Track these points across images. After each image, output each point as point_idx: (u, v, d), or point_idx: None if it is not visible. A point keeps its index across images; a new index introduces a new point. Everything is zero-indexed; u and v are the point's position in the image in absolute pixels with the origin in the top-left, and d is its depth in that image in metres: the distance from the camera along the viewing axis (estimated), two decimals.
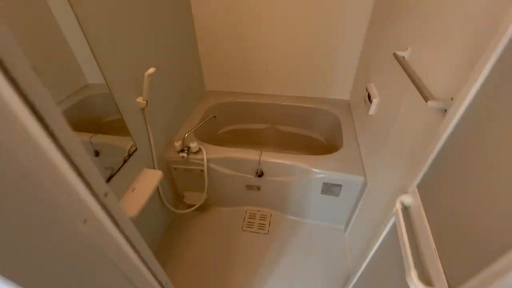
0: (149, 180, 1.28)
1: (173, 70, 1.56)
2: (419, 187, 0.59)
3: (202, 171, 1.53)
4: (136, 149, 1.24)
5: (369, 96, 1.32)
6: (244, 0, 1.61)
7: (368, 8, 1.51)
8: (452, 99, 0.64)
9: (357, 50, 1.68)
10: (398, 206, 0.60)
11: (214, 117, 1.65)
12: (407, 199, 0.60)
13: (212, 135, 2.05)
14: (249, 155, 1.48)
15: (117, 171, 1.13)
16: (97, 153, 1.09)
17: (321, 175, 1.39)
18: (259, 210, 1.75)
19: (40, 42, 0.80)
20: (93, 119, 1.04)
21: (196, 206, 1.61)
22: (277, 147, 2.19)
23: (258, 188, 1.62)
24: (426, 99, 0.66)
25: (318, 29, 1.63)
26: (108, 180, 1.08)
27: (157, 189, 1.46)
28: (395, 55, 0.96)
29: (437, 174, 0.55)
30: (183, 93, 1.74)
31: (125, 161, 1.17)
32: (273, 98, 2.01)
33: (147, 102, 1.23)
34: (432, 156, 0.54)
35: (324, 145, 2.01)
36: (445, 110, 0.67)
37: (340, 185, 1.39)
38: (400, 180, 0.89)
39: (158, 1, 1.34)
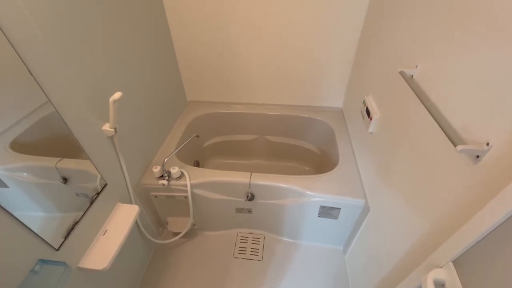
0: (123, 218, 1.11)
1: (149, 85, 1.37)
2: (457, 262, 0.47)
3: (186, 197, 1.37)
4: (106, 184, 1.07)
5: (367, 111, 1.20)
6: (226, 4, 1.43)
7: (362, 12, 1.37)
8: (487, 144, 0.52)
9: (350, 56, 1.55)
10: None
11: (197, 136, 1.49)
12: (441, 275, 0.48)
13: (197, 149, 1.89)
14: (238, 177, 1.34)
15: (84, 214, 0.96)
16: (65, 180, 0.93)
17: (317, 199, 1.27)
18: (251, 233, 1.62)
19: None
20: (58, 139, 0.87)
21: (181, 235, 1.46)
22: (267, 158, 2.05)
23: (249, 211, 1.48)
24: (454, 143, 0.54)
25: (307, 33, 1.49)
26: (72, 228, 0.91)
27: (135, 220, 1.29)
28: (402, 74, 0.83)
29: (485, 253, 0.42)
30: (162, 107, 1.55)
31: (92, 202, 1.00)
32: (260, 107, 1.86)
33: (115, 129, 1.05)
34: (478, 236, 0.42)
35: (317, 155, 1.89)
36: (477, 156, 0.55)
37: (339, 208, 1.28)
38: (415, 225, 0.78)
39: (127, 15, 1.14)
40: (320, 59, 1.59)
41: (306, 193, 1.28)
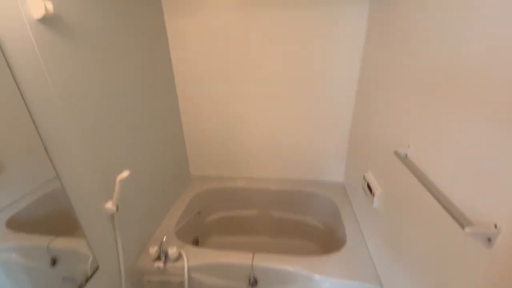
0: None
1: (155, 161, 1.43)
2: None
3: (182, 282, 1.25)
4: (97, 267, 0.99)
5: (369, 187, 1.21)
6: (230, 83, 1.62)
7: (352, 92, 1.54)
8: (496, 226, 0.51)
9: (345, 133, 1.66)
10: None
11: (199, 213, 1.46)
12: None
13: (198, 224, 1.81)
14: (239, 259, 1.24)
15: None
16: (54, 262, 0.86)
17: (327, 284, 1.15)
18: None
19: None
20: (56, 216, 0.85)
21: None
22: (271, 235, 1.95)
23: None
24: (461, 225, 0.53)
25: (306, 110, 1.63)
26: None
27: None
28: (396, 154, 0.88)
29: None
30: (166, 184, 1.57)
31: None
32: (263, 182, 1.88)
33: (117, 207, 1.04)
34: None
35: (323, 231, 1.80)
36: (489, 239, 0.53)
37: None
38: None
39: (135, 90, 1.29)
40: (318, 136, 1.69)
41: (314, 278, 1.16)
